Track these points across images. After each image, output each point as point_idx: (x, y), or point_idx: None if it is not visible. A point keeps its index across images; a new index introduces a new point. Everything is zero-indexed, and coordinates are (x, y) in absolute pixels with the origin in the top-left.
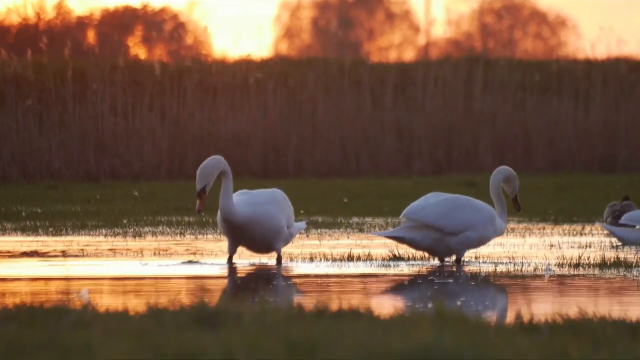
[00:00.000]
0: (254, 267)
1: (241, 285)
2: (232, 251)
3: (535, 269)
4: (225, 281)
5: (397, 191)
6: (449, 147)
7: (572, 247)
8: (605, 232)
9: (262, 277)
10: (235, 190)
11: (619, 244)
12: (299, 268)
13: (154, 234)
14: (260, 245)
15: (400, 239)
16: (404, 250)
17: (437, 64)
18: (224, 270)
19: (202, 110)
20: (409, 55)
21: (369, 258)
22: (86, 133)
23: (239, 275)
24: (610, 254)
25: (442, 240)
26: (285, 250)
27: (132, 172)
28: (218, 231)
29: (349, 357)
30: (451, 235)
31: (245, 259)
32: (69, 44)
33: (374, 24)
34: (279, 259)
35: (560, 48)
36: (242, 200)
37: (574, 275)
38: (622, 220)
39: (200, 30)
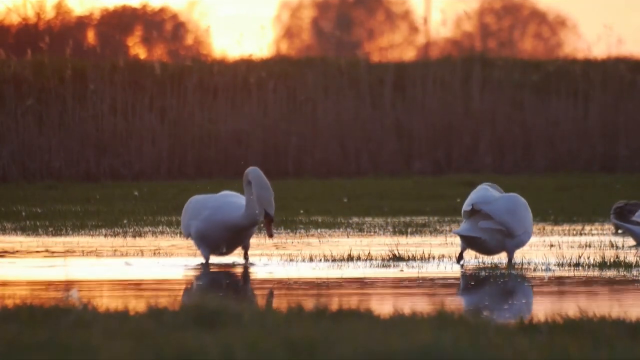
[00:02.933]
0: (238, 265)
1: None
2: (209, 255)
3: (535, 269)
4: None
5: (397, 191)
6: (449, 147)
7: (572, 247)
8: (606, 231)
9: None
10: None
11: (619, 244)
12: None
13: (154, 234)
14: (242, 243)
15: (476, 239)
16: (404, 250)
17: (436, 64)
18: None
19: (202, 110)
20: (408, 55)
21: (368, 258)
22: (86, 133)
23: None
24: (610, 254)
25: (502, 241)
26: (286, 250)
27: (132, 172)
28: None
29: (349, 357)
30: (510, 235)
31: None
32: (69, 44)
33: (374, 23)
34: (247, 255)
35: (560, 48)
36: (240, 203)
37: (574, 275)
38: (637, 216)
39: (200, 30)
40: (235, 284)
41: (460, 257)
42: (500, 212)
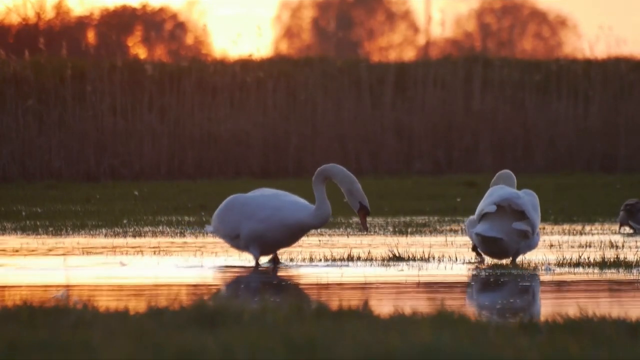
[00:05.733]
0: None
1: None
2: (260, 255)
3: (535, 269)
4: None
5: (397, 191)
6: (449, 147)
7: (572, 247)
8: (606, 231)
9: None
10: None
11: (619, 244)
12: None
13: (154, 233)
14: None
15: (497, 241)
16: (404, 250)
17: (436, 64)
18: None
19: (201, 110)
20: (408, 55)
21: (369, 257)
22: (86, 133)
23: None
24: (610, 254)
25: (518, 242)
26: (286, 250)
27: (132, 172)
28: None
29: (349, 357)
30: (527, 236)
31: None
32: (69, 44)
33: (374, 23)
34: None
35: (560, 48)
36: (301, 203)
37: (574, 275)
38: None
39: (199, 30)
40: (285, 285)
41: (479, 254)
42: (529, 210)
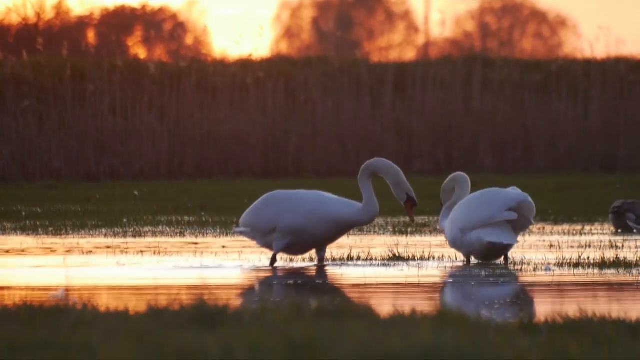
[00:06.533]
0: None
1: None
2: (282, 252)
3: (535, 269)
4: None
5: None
6: (449, 147)
7: (572, 247)
8: (606, 231)
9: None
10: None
11: (619, 244)
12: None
13: (154, 233)
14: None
15: (507, 247)
16: (404, 250)
17: (436, 64)
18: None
19: (201, 110)
20: (408, 55)
21: (369, 257)
22: (86, 133)
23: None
24: (610, 254)
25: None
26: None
27: (132, 172)
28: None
29: (349, 357)
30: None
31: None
32: (69, 44)
33: (374, 24)
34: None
35: (560, 48)
36: (343, 200)
37: (574, 275)
38: None
39: (199, 30)
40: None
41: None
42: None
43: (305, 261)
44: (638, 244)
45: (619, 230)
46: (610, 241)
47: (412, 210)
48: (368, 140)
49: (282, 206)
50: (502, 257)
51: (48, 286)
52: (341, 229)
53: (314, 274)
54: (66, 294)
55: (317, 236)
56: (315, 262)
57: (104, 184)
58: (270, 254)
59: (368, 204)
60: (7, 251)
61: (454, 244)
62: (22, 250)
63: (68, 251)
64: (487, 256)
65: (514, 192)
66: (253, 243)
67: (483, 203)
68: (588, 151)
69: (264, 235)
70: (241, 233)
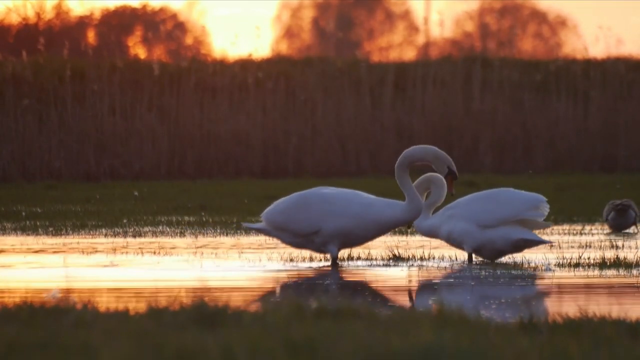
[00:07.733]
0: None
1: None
2: (338, 251)
3: (535, 269)
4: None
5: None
6: (449, 147)
7: (572, 247)
8: (606, 231)
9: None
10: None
11: (619, 244)
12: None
13: (154, 233)
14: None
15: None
16: (404, 250)
17: (436, 64)
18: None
19: (201, 110)
20: (408, 55)
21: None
22: (86, 133)
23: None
24: (610, 254)
25: None
26: (286, 250)
27: (132, 172)
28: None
29: (349, 357)
30: None
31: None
32: (69, 44)
33: (374, 24)
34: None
35: (560, 48)
36: (385, 201)
37: (574, 275)
38: None
39: (199, 30)
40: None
41: (470, 259)
42: None
43: (305, 261)
44: (638, 243)
45: (620, 224)
46: (610, 241)
47: (452, 184)
48: (368, 141)
49: (323, 209)
50: (503, 257)
51: (47, 287)
52: (387, 229)
53: (314, 274)
54: (60, 294)
55: (363, 237)
56: (316, 263)
57: (104, 184)
58: (291, 250)
59: (412, 201)
60: (7, 251)
61: (460, 239)
62: (22, 251)
63: (68, 251)
64: (503, 253)
65: (511, 191)
66: (255, 242)
67: (505, 201)
68: (588, 151)
69: (296, 236)
70: (259, 230)
